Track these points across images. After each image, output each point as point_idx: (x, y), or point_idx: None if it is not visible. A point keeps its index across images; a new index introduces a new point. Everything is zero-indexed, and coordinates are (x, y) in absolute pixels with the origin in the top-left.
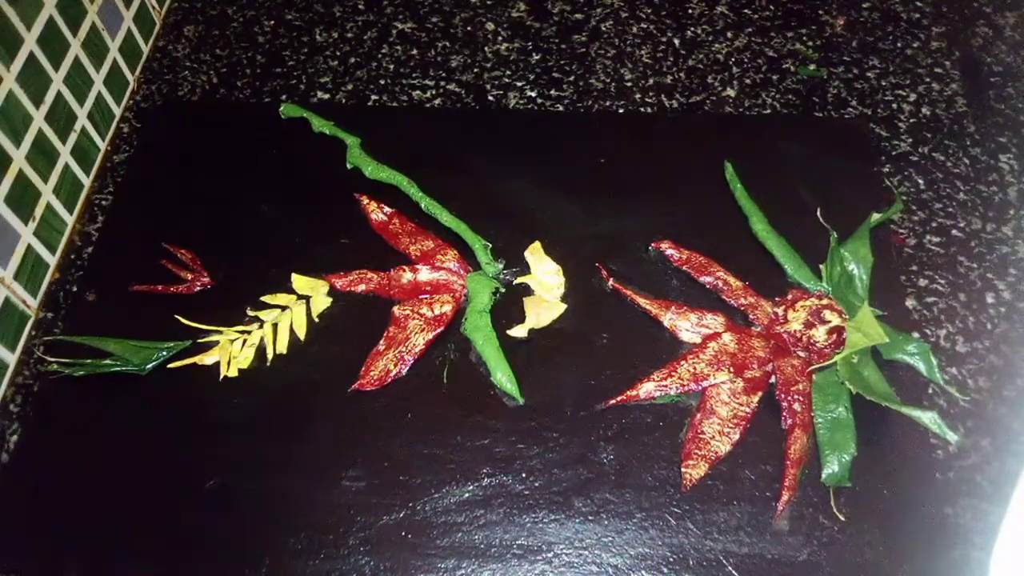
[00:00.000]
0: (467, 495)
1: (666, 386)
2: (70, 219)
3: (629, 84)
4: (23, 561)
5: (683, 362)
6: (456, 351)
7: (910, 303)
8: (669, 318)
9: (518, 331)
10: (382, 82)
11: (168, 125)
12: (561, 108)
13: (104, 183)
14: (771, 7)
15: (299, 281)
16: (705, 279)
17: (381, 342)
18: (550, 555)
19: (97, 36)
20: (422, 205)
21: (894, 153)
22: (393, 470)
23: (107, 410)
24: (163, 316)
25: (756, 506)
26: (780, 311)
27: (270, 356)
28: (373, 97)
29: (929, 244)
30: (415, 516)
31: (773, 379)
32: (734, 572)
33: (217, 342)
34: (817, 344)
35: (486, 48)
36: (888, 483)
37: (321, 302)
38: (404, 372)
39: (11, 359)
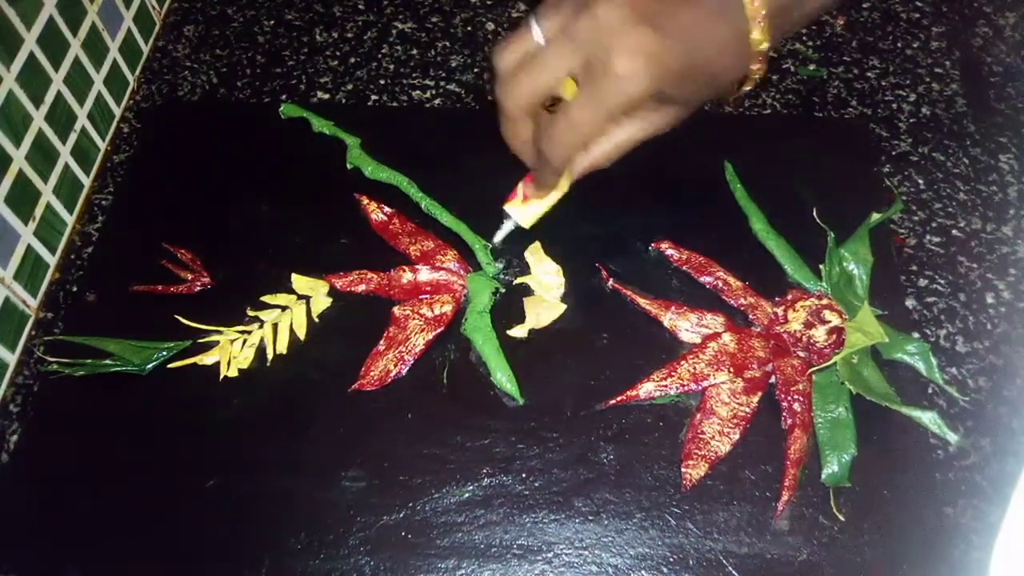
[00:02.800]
0: (467, 495)
1: (666, 386)
2: (70, 219)
3: None
4: (23, 561)
5: (683, 362)
6: (456, 351)
7: (910, 303)
8: (669, 318)
9: (518, 331)
10: (382, 82)
11: (168, 125)
12: None
13: (104, 183)
14: None
15: (299, 281)
16: (705, 279)
17: (381, 342)
18: (550, 555)
19: (97, 36)
20: (422, 205)
21: (894, 153)
22: (393, 470)
23: (107, 410)
24: (163, 316)
25: (756, 506)
26: (780, 311)
27: (270, 356)
28: (373, 97)
29: (929, 244)
30: (415, 516)
31: (773, 379)
32: (734, 572)
33: (217, 342)
34: (817, 344)
35: (486, 48)
36: (888, 483)
37: (321, 302)
38: (404, 372)
39: (11, 359)
